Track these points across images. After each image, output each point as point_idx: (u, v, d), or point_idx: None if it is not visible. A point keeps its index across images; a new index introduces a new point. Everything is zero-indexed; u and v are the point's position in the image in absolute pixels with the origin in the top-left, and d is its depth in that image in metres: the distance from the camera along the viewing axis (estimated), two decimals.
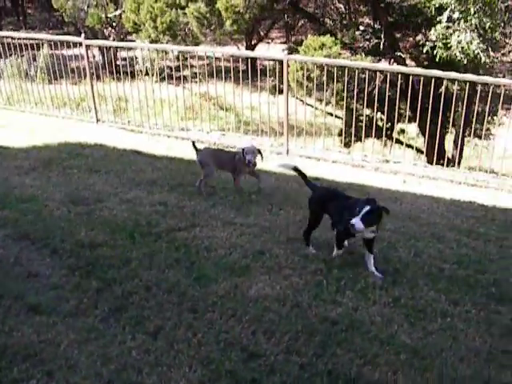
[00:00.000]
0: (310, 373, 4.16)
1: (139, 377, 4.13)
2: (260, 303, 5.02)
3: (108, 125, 11.81)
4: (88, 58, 11.78)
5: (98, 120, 11.94)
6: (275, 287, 5.29)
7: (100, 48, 13.78)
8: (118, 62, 12.38)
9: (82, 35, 11.73)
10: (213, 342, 4.49)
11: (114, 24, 22.92)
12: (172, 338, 4.54)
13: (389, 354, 4.45)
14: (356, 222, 5.16)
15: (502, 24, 13.14)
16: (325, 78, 10.84)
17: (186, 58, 12.11)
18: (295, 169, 6.41)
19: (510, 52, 22.46)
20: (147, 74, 12.90)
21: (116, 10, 21.71)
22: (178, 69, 11.22)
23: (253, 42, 28.23)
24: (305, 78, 10.78)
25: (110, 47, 13.01)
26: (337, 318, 4.83)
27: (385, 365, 4.32)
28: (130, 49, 11.51)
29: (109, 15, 22.14)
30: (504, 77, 17.72)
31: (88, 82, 11.77)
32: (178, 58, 15.71)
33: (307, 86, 11.69)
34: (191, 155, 8.13)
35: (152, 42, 16.24)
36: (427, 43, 13.81)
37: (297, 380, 4.10)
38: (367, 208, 5.20)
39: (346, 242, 5.90)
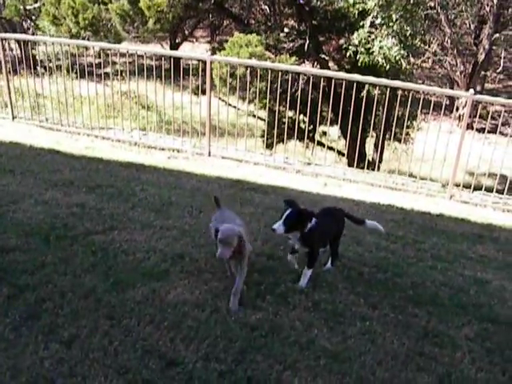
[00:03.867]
0: (230, 380, 4.12)
1: None
2: (179, 309, 4.94)
3: (25, 122, 11.38)
4: (4, 51, 11.31)
5: (14, 117, 11.48)
6: (194, 292, 5.22)
7: (18, 41, 13.26)
8: (37, 57, 11.89)
9: None
10: (130, 350, 4.38)
11: (34, 17, 22.15)
12: (87, 347, 4.39)
13: (308, 359, 4.47)
14: (276, 226, 5.14)
15: (422, 31, 13.59)
16: (248, 77, 10.84)
17: (108, 55, 11.80)
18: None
19: (429, 59, 23.29)
20: (68, 70, 12.51)
21: (36, 2, 20.96)
22: (99, 66, 10.92)
23: (177, 41, 28.03)
24: (228, 74, 10.75)
25: (27, 41, 12.54)
26: (256, 324, 4.81)
27: (304, 370, 4.33)
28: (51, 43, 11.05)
29: (28, 7, 21.36)
30: (423, 83, 18.31)
31: (4, 76, 11.31)
32: (99, 55, 15.38)
33: (231, 83, 11.66)
34: (111, 155, 7.95)
35: (72, 37, 15.78)
36: (350, 47, 14.08)
37: None
38: (287, 212, 5.16)
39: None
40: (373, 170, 10.88)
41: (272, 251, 6.10)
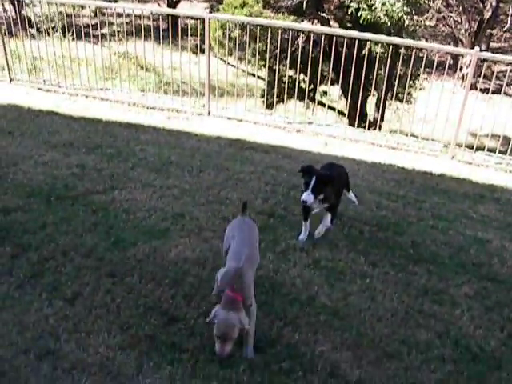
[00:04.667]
0: None
1: (57, 344, 4.02)
2: (180, 266, 4.98)
3: (22, 84, 11.26)
4: None
5: (11, 79, 11.37)
6: (195, 250, 5.25)
7: (12, 2, 13.07)
8: (32, 19, 11.72)
9: None
10: (132, 307, 4.43)
11: None
12: (90, 304, 4.45)
13: (309, 315, 4.52)
14: (306, 197, 5.08)
15: None
16: (247, 37, 10.70)
17: (104, 14, 11.64)
18: None
19: (433, 16, 22.91)
20: (64, 31, 12.35)
21: None
22: (96, 27, 10.77)
23: (174, 0, 27.57)
24: (226, 37, 10.59)
25: (22, 1, 12.35)
26: (257, 281, 4.83)
27: (305, 326, 4.39)
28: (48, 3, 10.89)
29: None
30: (426, 41, 18.04)
31: None
32: (95, 14, 15.15)
33: (228, 46, 11.52)
34: (110, 116, 7.90)
35: None
36: (352, 4, 13.82)
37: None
38: (313, 181, 5.06)
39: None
40: (374, 129, 10.82)
41: (272, 210, 6.12)
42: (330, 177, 5.25)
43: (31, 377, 3.74)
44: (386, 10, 12.42)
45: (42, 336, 4.10)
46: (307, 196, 5.05)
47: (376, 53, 11.13)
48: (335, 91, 16.19)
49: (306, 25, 14.95)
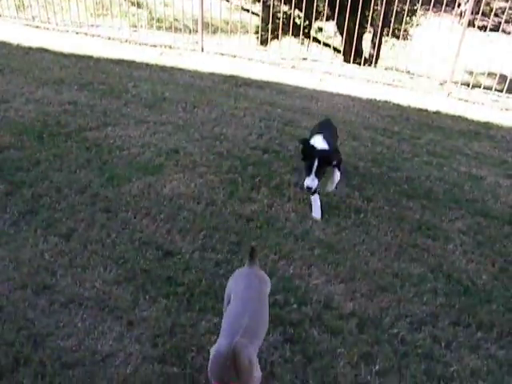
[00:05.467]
0: (226, 269, 4.20)
1: (53, 279, 4.04)
2: (174, 202, 4.98)
3: (11, 21, 11.02)
4: None
5: None
6: (190, 185, 5.24)
7: None
8: None
9: None
10: (127, 242, 4.44)
11: None
12: (85, 239, 4.46)
13: (303, 249, 4.55)
14: (311, 183, 4.77)
15: None
16: None
17: None
18: None
19: None
20: None
21: None
22: None
23: None
24: None
25: None
26: (252, 215, 4.87)
27: (299, 259, 4.42)
28: None
29: None
30: None
31: None
32: None
33: None
34: (101, 53, 7.76)
35: None
36: None
37: (212, 276, 4.13)
38: (315, 163, 4.74)
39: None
40: (369, 66, 10.68)
41: (267, 145, 6.09)
42: (331, 154, 4.86)
43: (28, 311, 3.77)
44: None
45: (38, 271, 4.11)
46: (311, 181, 4.75)
47: None
48: (330, 27, 15.88)
49: None
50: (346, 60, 12.33)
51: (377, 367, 3.55)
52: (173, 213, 4.83)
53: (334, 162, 4.95)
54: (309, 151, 4.81)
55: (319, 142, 4.91)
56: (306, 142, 4.88)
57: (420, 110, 8.12)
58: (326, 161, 4.77)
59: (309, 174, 4.75)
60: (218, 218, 4.82)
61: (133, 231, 4.57)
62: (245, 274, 3.41)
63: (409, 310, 4.05)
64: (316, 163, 4.71)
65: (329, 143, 4.94)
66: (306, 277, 4.25)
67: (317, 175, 4.74)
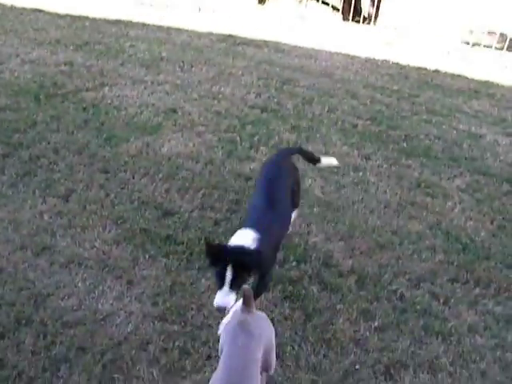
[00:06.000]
0: (225, 227, 4.22)
1: (52, 240, 4.05)
2: (173, 161, 4.97)
3: None
4: None
5: None
6: (188, 145, 5.22)
7: None
8: None
9: None
10: (126, 202, 4.44)
11: None
12: (84, 200, 4.45)
13: (302, 207, 4.54)
14: (221, 301, 3.06)
15: None
16: None
17: None
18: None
19: None
20: None
21: None
22: None
23: None
24: None
25: None
26: (251, 174, 4.86)
27: (298, 218, 4.42)
28: None
29: None
30: None
31: None
32: None
33: None
34: (96, 13, 7.64)
35: None
36: None
37: (211, 235, 4.14)
38: (229, 272, 3.02)
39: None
40: (368, 24, 10.55)
41: (265, 104, 6.05)
42: (257, 256, 3.13)
43: (29, 272, 3.78)
44: None
45: (37, 232, 4.11)
46: (223, 298, 3.04)
47: None
48: None
49: None
50: (345, 18, 12.15)
51: (376, 323, 3.58)
52: (171, 172, 4.82)
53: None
54: (217, 253, 3.10)
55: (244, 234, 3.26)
56: (215, 247, 3.18)
57: (419, 68, 8.05)
58: (247, 264, 3.08)
59: (220, 285, 3.05)
60: (216, 176, 4.81)
61: (131, 191, 4.57)
62: (237, 324, 2.72)
63: (408, 267, 4.07)
64: (230, 271, 3.01)
65: (263, 229, 3.27)
66: (305, 235, 4.27)
67: (233, 287, 3.03)
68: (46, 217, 4.26)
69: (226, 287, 3.01)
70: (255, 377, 2.57)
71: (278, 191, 3.57)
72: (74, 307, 3.53)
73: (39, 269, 3.81)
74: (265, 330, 2.82)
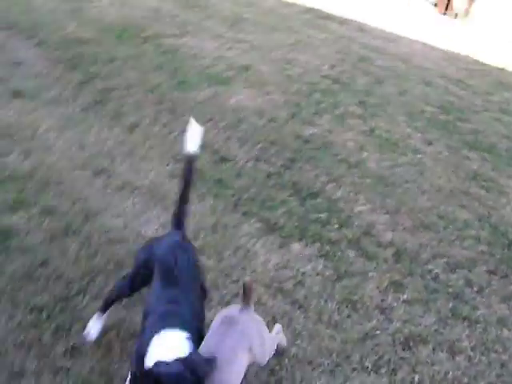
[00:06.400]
0: (276, 181, 4.33)
1: (111, 164, 4.26)
2: (238, 113, 5.10)
3: None
4: None
5: None
6: (255, 100, 5.35)
7: None
8: None
9: None
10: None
11: None
12: (147, 134, 4.65)
13: (355, 176, 4.61)
14: None
15: None
16: None
17: None
18: None
19: None
20: None
21: None
22: None
23: None
24: None
25: None
26: (310, 138, 4.94)
27: (349, 185, 4.49)
28: None
29: None
30: None
31: None
32: None
33: None
34: None
35: None
36: None
37: (262, 186, 4.26)
38: None
39: None
40: (459, 18, 10.35)
41: (338, 76, 6.09)
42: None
43: (85, 189, 4.00)
44: None
45: (99, 155, 4.34)
46: None
47: None
48: None
49: None
50: (439, 10, 11.97)
51: (404, 296, 3.62)
52: (234, 123, 4.95)
53: None
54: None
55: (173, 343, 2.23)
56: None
57: (500, 68, 7.88)
58: None
59: None
60: (277, 133, 4.91)
61: None
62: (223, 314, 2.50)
63: (448, 251, 4.07)
64: None
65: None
66: (352, 202, 4.32)
67: None
68: (109, 143, 4.48)
69: None
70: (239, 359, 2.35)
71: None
72: (120, 227, 3.73)
73: (95, 188, 4.03)
74: (259, 325, 2.59)
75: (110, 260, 3.46)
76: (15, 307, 3.11)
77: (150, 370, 2.04)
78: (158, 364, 2.06)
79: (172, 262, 2.59)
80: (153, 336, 2.24)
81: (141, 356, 2.19)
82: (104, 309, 2.92)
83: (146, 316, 2.47)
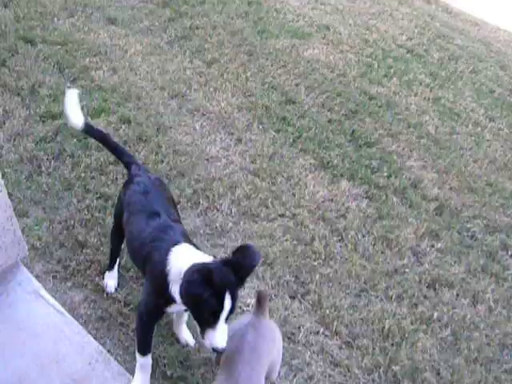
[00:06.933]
0: (336, 127, 4.61)
1: (188, 90, 4.64)
2: (311, 64, 5.37)
3: None
4: None
5: None
6: (329, 56, 5.59)
7: None
8: None
9: None
10: (258, 82, 4.93)
11: None
12: (224, 69, 4.99)
13: (412, 135, 4.82)
14: (221, 339, 2.22)
15: None
16: None
17: None
18: None
19: None
20: None
21: None
22: None
23: None
24: None
25: None
26: (376, 95, 5.16)
27: (405, 141, 4.71)
28: None
29: None
30: None
31: None
32: None
33: None
34: None
35: None
36: None
37: (322, 129, 4.55)
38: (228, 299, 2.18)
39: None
40: None
41: (413, 47, 6.24)
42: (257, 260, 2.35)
43: (161, 107, 4.40)
44: None
45: (177, 81, 4.72)
46: (223, 336, 2.23)
47: None
48: None
49: None
50: None
51: (439, 245, 3.85)
52: (306, 71, 5.23)
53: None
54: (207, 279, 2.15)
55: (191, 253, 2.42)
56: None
57: None
58: (236, 286, 2.24)
59: (213, 323, 2.20)
60: (344, 87, 5.16)
61: (266, 75, 5.04)
62: (241, 326, 2.43)
63: (490, 214, 4.25)
64: (229, 299, 2.18)
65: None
66: (406, 157, 4.55)
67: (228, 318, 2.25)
68: (188, 72, 4.85)
69: (223, 322, 2.20)
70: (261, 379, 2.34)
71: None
72: (187, 143, 4.10)
73: (170, 107, 4.41)
74: (277, 336, 2.58)
75: (173, 168, 3.83)
76: (86, 193, 3.53)
77: (198, 267, 2.17)
78: (196, 264, 2.20)
79: (146, 198, 2.67)
80: (167, 253, 2.37)
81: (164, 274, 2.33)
82: (111, 264, 3.07)
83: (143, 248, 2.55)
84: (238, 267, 2.21)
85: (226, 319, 2.21)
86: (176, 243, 2.42)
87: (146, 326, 2.53)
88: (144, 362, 2.55)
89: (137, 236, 2.61)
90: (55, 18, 5.12)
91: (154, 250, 2.46)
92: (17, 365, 2.56)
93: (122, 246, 3.00)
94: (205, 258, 2.34)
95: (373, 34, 6.27)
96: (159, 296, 2.40)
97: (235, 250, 2.29)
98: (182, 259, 2.31)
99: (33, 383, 2.53)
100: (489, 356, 3.25)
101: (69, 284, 3.06)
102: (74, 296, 3.02)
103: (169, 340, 2.88)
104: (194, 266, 2.20)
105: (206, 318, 2.21)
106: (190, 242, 2.52)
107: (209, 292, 2.13)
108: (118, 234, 2.92)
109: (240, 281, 2.24)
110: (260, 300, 2.46)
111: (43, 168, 3.63)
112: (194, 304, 2.23)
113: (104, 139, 3.04)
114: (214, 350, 2.24)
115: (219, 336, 2.20)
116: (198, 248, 2.48)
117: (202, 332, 2.24)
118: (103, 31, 5.14)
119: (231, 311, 2.20)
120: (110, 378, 2.62)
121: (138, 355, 2.55)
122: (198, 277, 2.14)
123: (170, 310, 2.48)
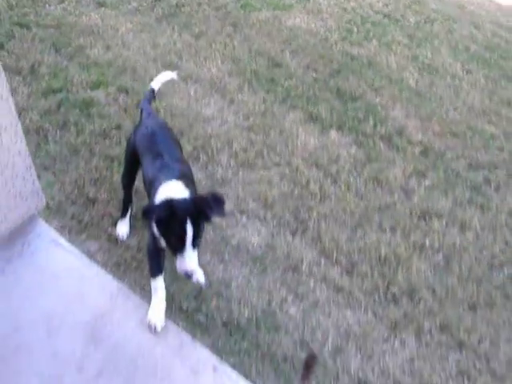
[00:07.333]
0: (321, 85, 4.88)
1: (179, 61, 4.88)
2: (293, 31, 5.65)
3: None
4: None
5: None
6: (310, 24, 5.87)
7: None
8: None
9: None
10: (245, 49, 5.20)
11: None
12: (212, 41, 5.25)
13: (394, 89, 5.09)
14: (188, 264, 2.45)
15: None
16: None
17: None
18: None
19: None
20: None
21: None
22: None
23: None
24: None
25: None
26: (357, 56, 5.44)
27: (388, 95, 4.98)
28: None
29: None
30: None
31: None
32: None
33: None
34: None
35: None
36: None
37: (309, 87, 4.82)
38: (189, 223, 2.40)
39: None
40: None
41: (390, 13, 6.50)
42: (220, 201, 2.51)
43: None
44: None
45: (169, 53, 4.97)
46: (191, 261, 2.45)
47: None
48: None
49: None
50: None
51: (426, 182, 4.11)
52: (289, 39, 5.51)
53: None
54: (170, 210, 2.41)
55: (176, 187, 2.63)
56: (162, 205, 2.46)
57: None
58: (201, 213, 2.45)
59: (180, 248, 2.44)
60: (326, 50, 5.43)
61: (252, 43, 5.30)
62: None
63: (472, 154, 4.51)
64: (189, 224, 2.40)
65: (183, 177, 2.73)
66: (390, 108, 4.81)
67: (194, 244, 2.46)
68: (178, 45, 5.10)
69: (189, 248, 2.43)
70: None
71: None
72: (183, 107, 4.33)
73: None
74: None
75: (172, 128, 4.05)
76: (93, 155, 3.75)
77: (163, 200, 2.44)
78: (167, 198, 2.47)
79: (153, 140, 2.95)
80: (158, 187, 2.63)
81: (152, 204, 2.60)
82: (124, 213, 3.33)
83: (149, 186, 2.81)
84: (201, 205, 2.45)
85: (194, 246, 2.44)
86: (167, 181, 2.64)
87: (151, 255, 2.79)
88: (156, 285, 2.77)
89: (145, 175, 2.89)
90: (47, 5, 5.36)
91: (152, 188, 2.71)
92: (43, 304, 2.77)
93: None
94: (181, 194, 2.55)
95: (351, 2, 6.55)
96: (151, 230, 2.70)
97: (212, 193, 2.54)
98: (162, 196, 2.54)
99: (61, 318, 2.74)
100: (479, 275, 3.50)
101: (83, 236, 3.27)
102: (90, 246, 3.23)
103: (182, 278, 3.12)
104: (163, 199, 2.47)
105: (173, 244, 2.47)
106: (187, 179, 2.72)
107: (172, 220, 2.41)
108: (128, 177, 3.19)
109: (203, 215, 2.45)
110: (307, 367, 2.13)
111: (50, 137, 3.84)
112: (162, 232, 2.51)
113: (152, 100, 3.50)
114: (185, 274, 2.46)
115: (187, 260, 2.44)
116: (189, 185, 2.66)
117: (175, 260, 2.48)
118: (94, 13, 5.37)
119: (195, 237, 2.41)
120: (132, 308, 2.86)
121: (151, 280, 2.80)
122: (161, 207, 2.43)
123: (163, 244, 2.66)
